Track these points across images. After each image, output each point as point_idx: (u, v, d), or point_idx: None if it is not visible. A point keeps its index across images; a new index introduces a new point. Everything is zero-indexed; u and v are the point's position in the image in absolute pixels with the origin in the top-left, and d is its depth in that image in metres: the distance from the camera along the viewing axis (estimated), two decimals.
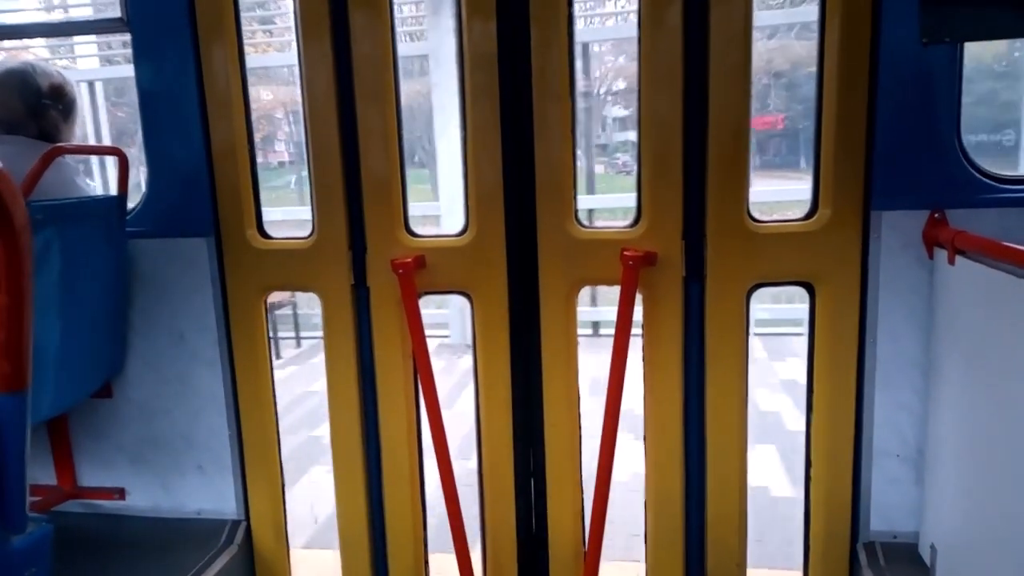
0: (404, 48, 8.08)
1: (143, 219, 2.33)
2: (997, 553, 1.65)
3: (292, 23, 2.17)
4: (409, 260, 2.11)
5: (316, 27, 2.11)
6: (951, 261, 1.82)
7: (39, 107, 2.19)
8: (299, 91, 2.20)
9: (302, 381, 5.82)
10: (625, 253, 2.03)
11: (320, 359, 6.99)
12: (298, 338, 7.05)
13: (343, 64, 2.13)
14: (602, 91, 29.57)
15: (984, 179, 1.93)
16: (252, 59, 7.25)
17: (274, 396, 2.47)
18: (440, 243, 2.22)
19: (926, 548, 2.02)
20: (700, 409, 2.18)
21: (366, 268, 2.24)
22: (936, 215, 1.93)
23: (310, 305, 7.76)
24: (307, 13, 2.11)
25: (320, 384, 5.61)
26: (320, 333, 7.41)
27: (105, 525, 2.51)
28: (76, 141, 2.35)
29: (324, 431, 4.50)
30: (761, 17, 7.66)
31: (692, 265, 2.09)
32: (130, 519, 2.51)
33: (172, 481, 2.47)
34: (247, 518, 2.46)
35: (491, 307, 2.23)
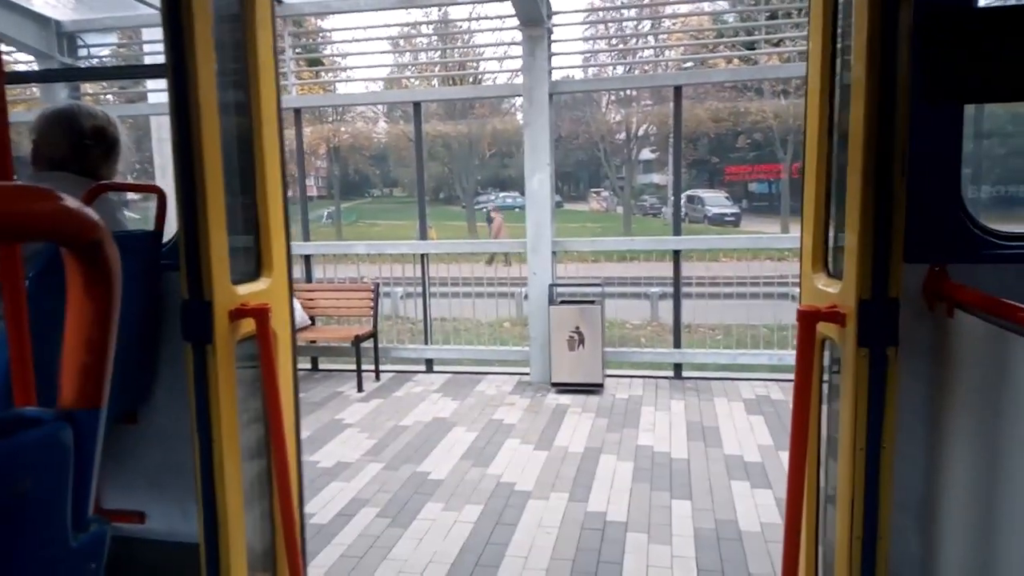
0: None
1: (179, 253, 2.46)
2: None
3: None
4: (267, 304, 2.14)
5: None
6: (950, 314, 1.84)
7: (82, 146, 2.34)
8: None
9: (392, 415, 5.84)
10: (799, 309, 1.93)
11: (404, 392, 6.98)
12: (377, 372, 7.12)
13: (182, 109, 1.96)
14: (636, 134, 30.05)
15: (983, 235, 1.96)
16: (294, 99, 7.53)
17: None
18: (251, 289, 2.23)
19: None
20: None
21: (213, 321, 2.07)
22: (936, 269, 1.96)
23: (389, 338, 7.97)
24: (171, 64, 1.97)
25: (411, 418, 5.79)
26: (398, 367, 7.45)
27: (124, 548, 2.58)
28: (119, 178, 2.50)
29: (429, 466, 4.70)
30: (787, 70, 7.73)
31: (873, 328, 1.79)
32: (149, 542, 2.58)
33: (190, 507, 2.55)
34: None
35: (285, 342, 2.38)
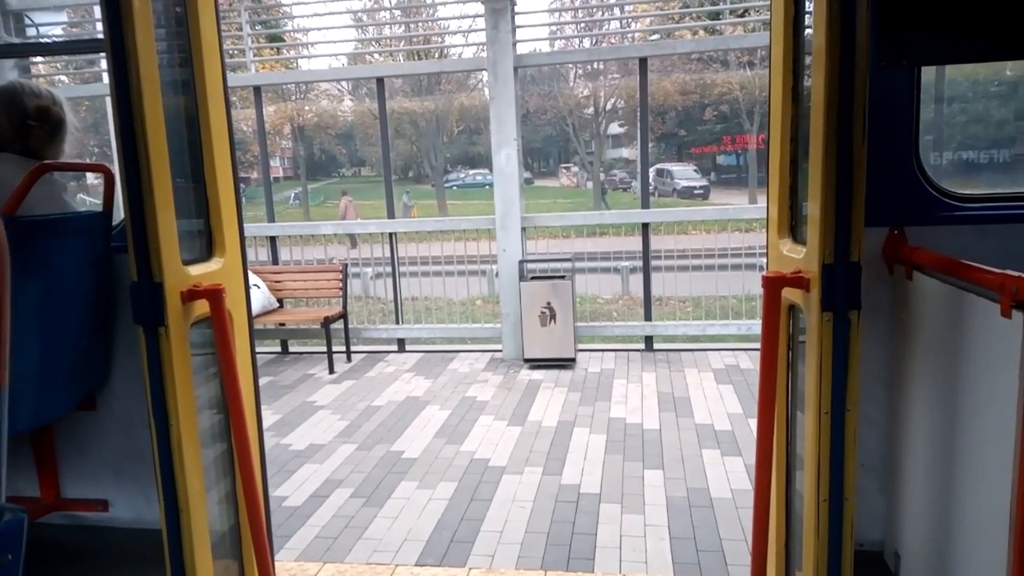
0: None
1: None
2: (958, 559, 1.68)
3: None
4: (220, 285, 2.07)
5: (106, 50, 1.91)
6: (909, 277, 1.86)
7: (25, 127, 2.25)
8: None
9: (365, 396, 5.81)
10: (764, 275, 1.93)
11: (376, 372, 6.92)
12: (348, 353, 7.04)
13: (123, 84, 1.89)
14: (605, 108, 30.00)
15: (941, 197, 1.98)
16: (253, 77, 7.36)
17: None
18: (203, 270, 2.18)
19: (891, 556, 2.06)
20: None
21: (164, 303, 1.98)
22: (895, 232, 1.97)
23: (360, 319, 7.94)
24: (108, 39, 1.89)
25: (384, 398, 5.77)
26: (370, 348, 7.36)
27: (88, 536, 2.54)
28: (64, 158, 2.41)
29: (403, 445, 4.68)
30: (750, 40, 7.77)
31: (837, 291, 1.78)
32: (112, 530, 2.54)
33: (154, 493, 2.50)
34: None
35: (241, 323, 2.36)
